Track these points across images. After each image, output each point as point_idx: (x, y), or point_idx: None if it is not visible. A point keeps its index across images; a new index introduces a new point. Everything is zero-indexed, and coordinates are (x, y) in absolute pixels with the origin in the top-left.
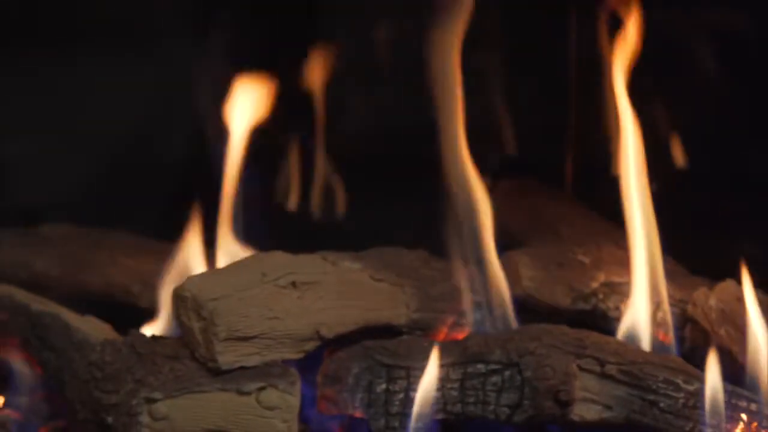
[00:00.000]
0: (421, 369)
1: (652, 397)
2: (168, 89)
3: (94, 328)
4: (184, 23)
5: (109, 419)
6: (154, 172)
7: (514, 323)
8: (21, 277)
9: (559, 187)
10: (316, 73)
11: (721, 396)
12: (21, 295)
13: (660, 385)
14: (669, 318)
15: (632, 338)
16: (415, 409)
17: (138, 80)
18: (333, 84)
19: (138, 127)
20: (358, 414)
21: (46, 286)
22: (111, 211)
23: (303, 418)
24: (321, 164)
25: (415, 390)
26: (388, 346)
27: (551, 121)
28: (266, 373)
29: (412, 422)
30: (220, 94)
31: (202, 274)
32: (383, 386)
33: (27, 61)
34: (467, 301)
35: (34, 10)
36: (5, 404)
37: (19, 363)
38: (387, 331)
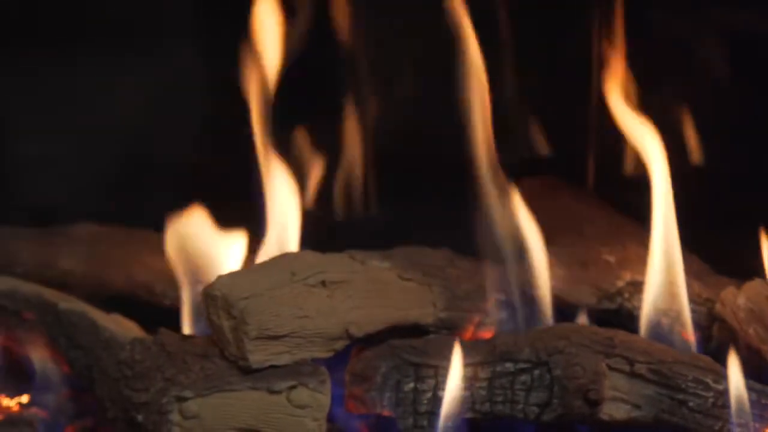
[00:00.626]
0: (450, 368)
1: (681, 396)
2: (181, 87)
3: (120, 327)
4: (198, 19)
5: (140, 417)
6: (171, 170)
7: (550, 321)
8: (46, 275)
9: (581, 185)
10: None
11: (745, 395)
12: (48, 294)
13: (689, 384)
14: (688, 316)
15: (655, 337)
16: (443, 408)
17: (150, 79)
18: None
19: (156, 125)
20: (386, 413)
21: (70, 284)
22: (129, 210)
23: (328, 417)
24: (344, 162)
25: (443, 389)
26: (415, 345)
27: (572, 119)
28: (297, 371)
29: (441, 421)
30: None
31: (232, 273)
32: (411, 385)
33: (45, 61)
34: (493, 300)
35: (50, 10)
36: (32, 402)
37: (45, 361)
38: (413, 330)
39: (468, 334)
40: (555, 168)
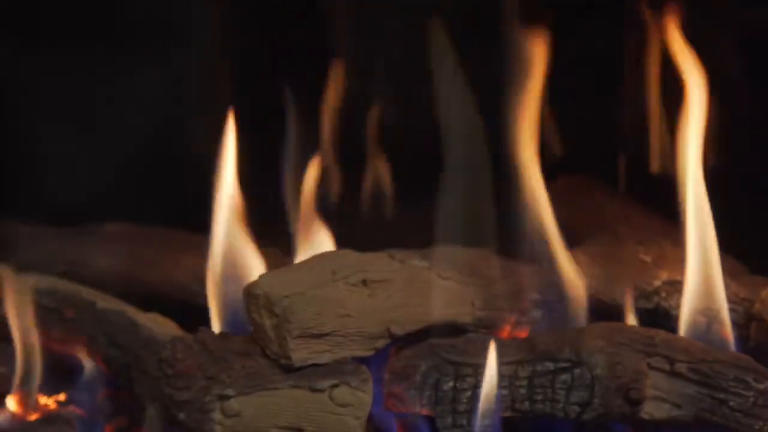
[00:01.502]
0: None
1: (722, 395)
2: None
3: (159, 325)
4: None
5: (181, 416)
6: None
7: (585, 321)
8: (82, 274)
9: (614, 185)
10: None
11: None
12: (87, 293)
13: (730, 383)
14: (726, 315)
15: (694, 336)
16: (481, 406)
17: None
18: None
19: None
20: (424, 412)
21: (106, 283)
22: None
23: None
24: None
25: (482, 388)
26: (455, 344)
27: (605, 118)
28: (339, 370)
29: (479, 420)
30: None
31: (273, 272)
32: (450, 384)
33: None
34: (529, 299)
35: (78, 9)
36: (70, 401)
37: (83, 360)
38: (451, 330)
39: (505, 333)
40: (587, 168)
